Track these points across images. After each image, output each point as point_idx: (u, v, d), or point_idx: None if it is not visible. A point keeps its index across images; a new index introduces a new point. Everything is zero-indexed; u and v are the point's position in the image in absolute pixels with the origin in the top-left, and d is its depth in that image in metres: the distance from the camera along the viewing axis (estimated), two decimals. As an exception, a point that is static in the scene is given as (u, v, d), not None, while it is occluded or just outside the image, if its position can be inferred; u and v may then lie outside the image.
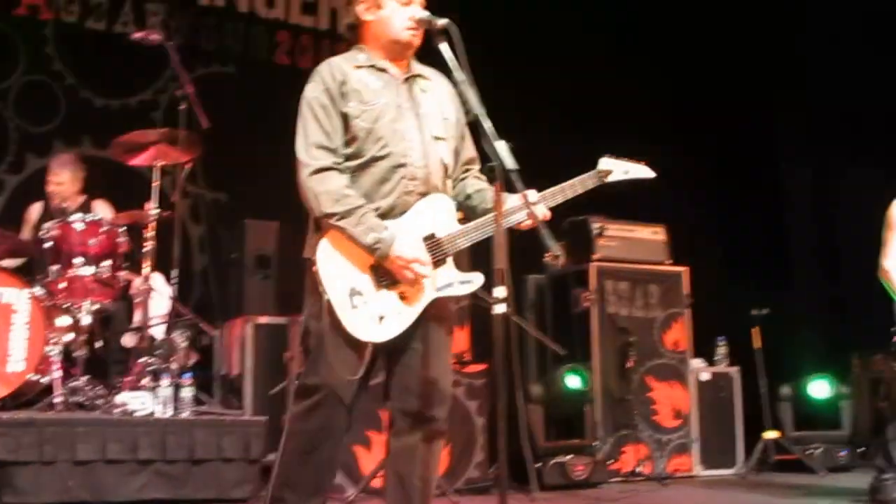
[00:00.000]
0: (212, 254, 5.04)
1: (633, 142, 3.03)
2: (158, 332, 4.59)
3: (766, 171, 7.94)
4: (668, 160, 2.80)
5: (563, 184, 2.72)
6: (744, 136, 7.70)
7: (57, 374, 4.15)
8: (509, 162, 2.37)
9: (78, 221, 4.42)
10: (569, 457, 5.07)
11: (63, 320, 4.36)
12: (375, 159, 2.61)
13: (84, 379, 4.24)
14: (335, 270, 2.57)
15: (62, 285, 4.35)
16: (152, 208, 4.52)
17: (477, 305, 2.91)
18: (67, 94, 5.96)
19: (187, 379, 4.07)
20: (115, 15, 6.09)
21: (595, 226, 5.70)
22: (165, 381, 3.97)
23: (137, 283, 4.62)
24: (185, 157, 4.60)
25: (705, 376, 5.93)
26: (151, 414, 3.90)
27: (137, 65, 5.79)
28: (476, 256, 2.80)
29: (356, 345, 2.55)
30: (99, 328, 4.62)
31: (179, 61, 4.69)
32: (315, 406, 2.59)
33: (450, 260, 2.63)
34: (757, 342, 5.95)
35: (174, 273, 4.42)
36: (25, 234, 5.06)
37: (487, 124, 2.47)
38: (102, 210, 4.99)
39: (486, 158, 2.46)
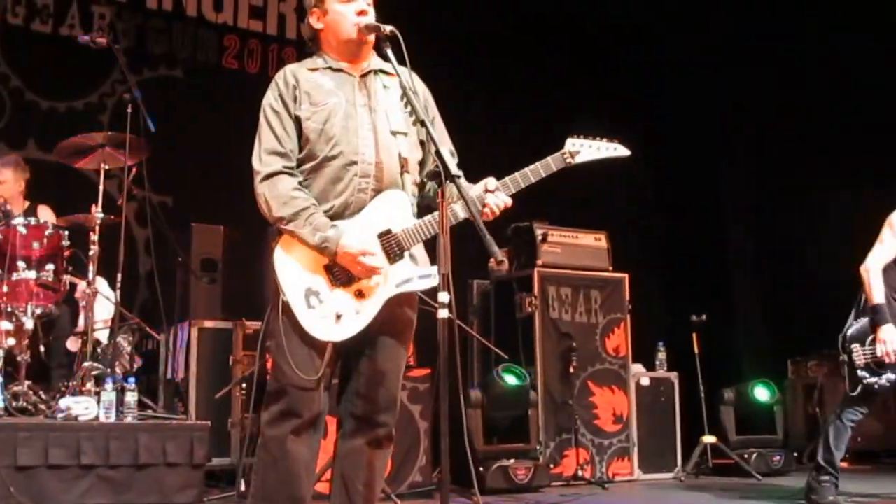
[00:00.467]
0: (158, 258, 4.99)
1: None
2: (103, 336, 4.55)
3: (707, 182, 8.15)
4: (612, 168, 2.81)
5: (526, 168, 2.64)
6: (687, 146, 7.90)
7: (-1, 378, 4.09)
8: (453, 168, 2.40)
9: (21, 225, 4.37)
10: (511, 460, 5.14)
11: (5, 324, 4.29)
12: (328, 159, 2.63)
13: (27, 384, 4.19)
14: (291, 272, 2.60)
15: (5, 289, 4.29)
16: (97, 212, 4.49)
17: (421, 310, 2.93)
18: (13, 96, 5.88)
19: (131, 383, 4.04)
20: (61, 17, 6.02)
21: (539, 232, 5.79)
22: (109, 386, 3.93)
23: (82, 287, 4.57)
24: (131, 161, 4.57)
25: (645, 381, 6.06)
26: (95, 419, 3.87)
27: (84, 67, 5.74)
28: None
29: (315, 345, 2.58)
30: (42, 332, 4.56)
31: (126, 64, 4.66)
32: (284, 411, 2.60)
33: (408, 255, 2.64)
34: (696, 348, 6.12)
35: (119, 277, 4.39)
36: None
37: (433, 130, 2.52)
38: (46, 215, 4.93)
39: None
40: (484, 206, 2.56)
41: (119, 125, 4.57)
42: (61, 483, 3.65)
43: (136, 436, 3.83)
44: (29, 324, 4.29)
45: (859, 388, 4.29)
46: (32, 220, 4.47)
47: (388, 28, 2.60)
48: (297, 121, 2.65)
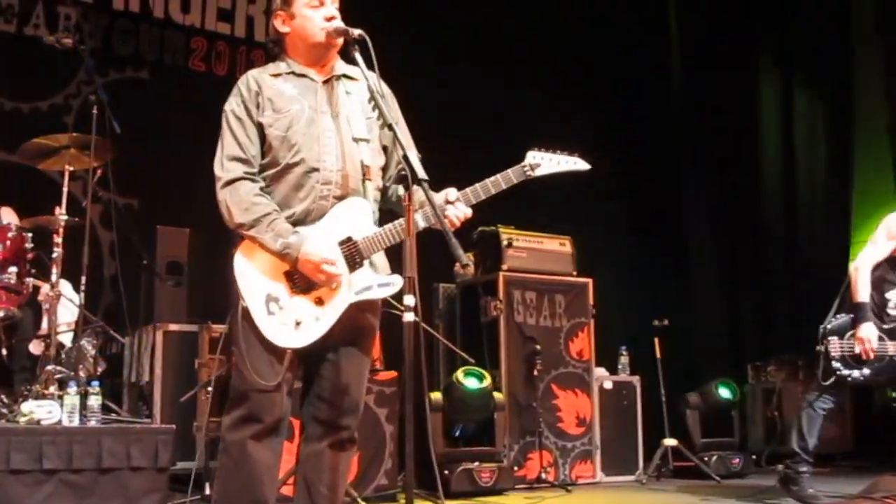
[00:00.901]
0: (122, 260, 4.96)
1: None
2: (66, 339, 4.51)
3: (669, 189, 8.28)
4: (578, 174, 2.85)
5: (486, 180, 2.66)
6: (650, 151, 8.02)
7: (-41, 382, 4.04)
8: (420, 171, 2.42)
9: (-18, 227, 4.32)
10: (476, 463, 5.18)
11: (-34, 327, 4.25)
12: (290, 166, 2.64)
13: (-12, 387, 4.15)
14: (251, 278, 2.61)
15: (-34, 291, 4.24)
16: (61, 214, 4.45)
17: (388, 313, 2.95)
18: (-24, 97, 5.80)
19: (95, 387, 4.01)
20: (25, 17, 5.95)
21: (504, 236, 5.84)
22: (73, 390, 3.90)
23: (45, 289, 4.53)
24: (96, 163, 4.54)
25: (608, 385, 6.14)
26: (58, 423, 3.84)
27: (49, 68, 5.68)
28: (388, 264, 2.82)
29: (275, 350, 2.59)
30: (5, 335, 4.51)
31: (92, 65, 4.63)
32: (246, 415, 2.61)
33: (368, 263, 2.65)
34: (658, 352, 6.21)
35: (83, 280, 4.36)
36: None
37: (400, 133, 2.54)
38: (9, 217, 4.87)
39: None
40: (444, 217, 2.57)
41: (84, 127, 4.54)
42: (24, 488, 3.61)
43: (100, 439, 3.80)
44: (-9, 327, 4.25)
45: (832, 379, 4.41)
46: (-6, 222, 4.42)
47: (357, 32, 2.60)
48: (260, 127, 2.66)
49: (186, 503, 4.18)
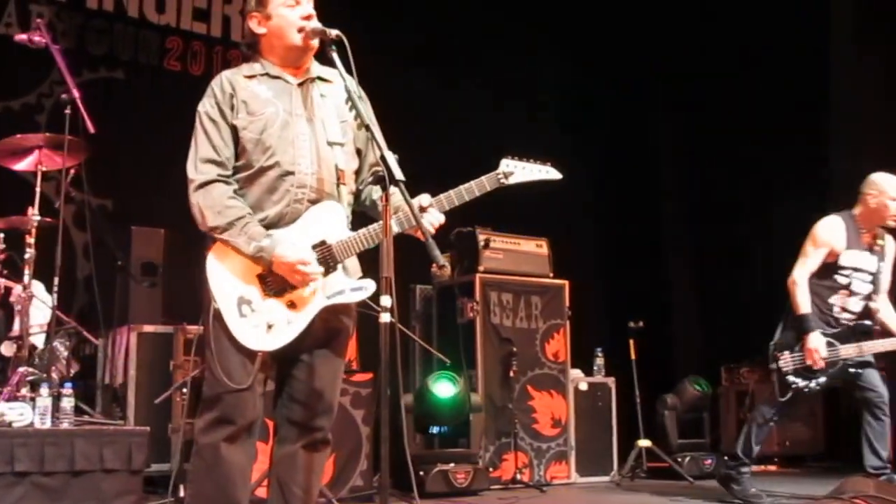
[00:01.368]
0: (96, 261, 4.92)
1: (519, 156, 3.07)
2: (39, 340, 4.47)
3: (645, 193, 8.35)
4: (549, 182, 2.88)
5: (460, 187, 2.67)
6: (626, 155, 8.08)
7: (-71, 384, 3.99)
8: (397, 172, 2.41)
9: (-47, 227, 4.27)
10: (451, 464, 5.19)
11: (-64, 328, 4.20)
12: (264, 169, 2.63)
13: (-42, 389, 4.09)
14: (223, 280, 2.60)
15: (-64, 292, 4.19)
16: (34, 214, 4.41)
17: (364, 314, 2.95)
18: (-53, 96, 5.73)
19: (68, 389, 3.97)
20: (-3, 16, 5.90)
21: (481, 238, 5.86)
22: (45, 391, 3.86)
23: (17, 290, 4.48)
24: (69, 163, 4.50)
25: (584, 386, 6.18)
26: (30, 425, 3.80)
27: (21, 67, 5.62)
28: (363, 265, 2.80)
29: (248, 352, 2.58)
30: (-25, 337, 4.47)
31: (66, 65, 4.59)
32: (218, 418, 2.59)
33: (341, 267, 2.65)
34: (633, 354, 6.26)
35: (56, 281, 4.32)
36: None
37: (377, 134, 2.53)
38: (-21, 218, 4.82)
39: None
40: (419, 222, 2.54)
41: (57, 126, 4.49)
42: (-6, 490, 3.58)
43: (73, 442, 3.77)
44: (-39, 328, 4.20)
45: (789, 394, 4.50)
46: (-35, 222, 4.37)
47: (335, 32, 2.58)
48: (234, 129, 2.64)
49: (161, 506, 4.16)
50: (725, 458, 4.76)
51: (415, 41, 7.07)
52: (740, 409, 7.19)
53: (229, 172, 2.65)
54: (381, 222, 2.57)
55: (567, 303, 6.11)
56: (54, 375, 4.17)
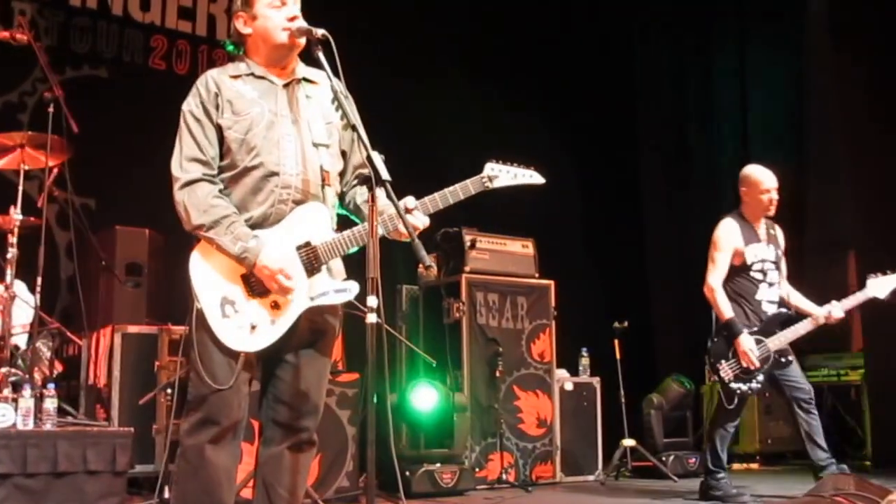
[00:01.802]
0: (80, 261, 4.88)
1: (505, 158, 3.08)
2: (21, 341, 4.43)
3: (629, 192, 8.40)
4: (532, 187, 2.89)
5: (445, 189, 2.69)
6: (610, 155, 8.12)
7: None
8: (383, 173, 2.42)
9: (-66, 226, 4.23)
10: (437, 465, 5.19)
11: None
12: (248, 169, 2.62)
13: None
14: (207, 280, 2.59)
15: (-84, 292, 4.15)
16: (16, 213, 4.37)
17: (350, 315, 2.94)
18: (-72, 94, 5.68)
19: (51, 390, 3.94)
20: (-22, 13, 5.85)
21: (467, 238, 5.86)
22: (27, 392, 3.83)
23: (-1, 290, 4.45)
24: (52, 161, 4.47)
25: (569, 386, 6.20)
26: (12, 426, 3.77)
27: (2, 65, 5.57)
28: (349, 266, 2.81)
29: (231, 353, 2.57)
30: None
31: (48, 62, 4.56)
32: (203, 419, 2.58)
33: (325, 268, 2.65)
34: (618, 354, 6.28)
35: (39, 281, 4.29)
36: None
37: (363, 134, 2.52)
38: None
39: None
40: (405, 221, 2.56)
41: (40, 125, 4.46)
42: (-24, 492, 3.55)
43: (55, 443, 3.75)
44: (-58, 328, 4.16)
45: (735, 401, 4.63)
46: (-53, 222, 4.33)
47: (320, 32, 2.58)
48: (219, 129, 2.64)
49: (145, 507, 4.14)
50: (705, 475, 4.85)
51: (398, 42, 7.05)
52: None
53: (214, 172, 2.64)
54: (365, 224, 2.60)
55: (553, 303, 6.13)
56: (37, 376, 4.14)
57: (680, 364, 7.56)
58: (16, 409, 3.81)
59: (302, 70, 2.78)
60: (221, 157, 2.66)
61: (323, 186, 2.69)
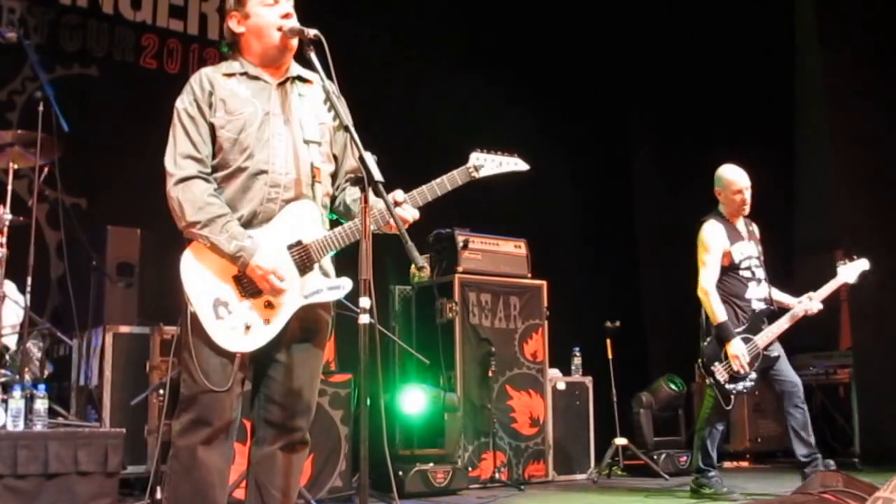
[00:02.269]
0: (71, 261, 4.86)
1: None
2: (11, 342, 4.41)
3: (620, 192, 8.40)
4: (531, 178, 2.89)
5: (432, 182, 2.69)
6: (602, 155, 8.13)
7: None
8: (376, 173, 2.41)
9: (-77, 226, 4.21)
10: (430, 464, 5.19)
11: None
12: (241, 169, 2.62)
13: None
14: (199, 281, 2.58)
15: None
16: (6, 213, 4.36)
17: (342, 315, 2.94)
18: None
19: (41, 391, 3.93)
20: (-34, 11, 5.81)
21: (460, 239, 5.87)
22: (17, 393, 3.82)
23: (-12, 290, 4.42)
24: (42, 161, 4.44)
25: (561, 385, 6.21)
26: (3, 427, 3.75)
27: (-8, 64, 5.55)
28: (341, 266, 2.80)
29: (226, 355, 2.56)
30: (-54, 337, 4.40)
31: (38, 61, 4.53)
32: (195, 419, 2.57)
33: (318, 266, 2.64)
34: (609, 353, 6.30)
35: (29, 281, 4.26)
36: None
37: (356, 135, 2.51)
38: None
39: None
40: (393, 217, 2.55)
41: (29, 124, 4.44)
42: (-34, 494, 3.54)
43: (46, 444, 3.74)
44: (-68, 329, 4.14)
45: (732, 401, 4.69)
46: (-64, 221, 4.30)
47: (313, 31, 2.57)
48: (212, 128, 2.63)
49: (136, 508, 4.12)
50: (696, 475, 4.89)
51: (389, 36, 7.04)
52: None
53: (208, 170, 2.63)
54: (356, 220, 2.59)
55: (545, 303, 6.14)
56: (27, 377, 4.12)
57: (672, 363, 7.58)
58: (6, 411, 3.80)
59: (296, 69, 2.77)
60: (213, 156, 2.65)
61: (313, 184, 2.69)
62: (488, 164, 2.77)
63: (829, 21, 7.10)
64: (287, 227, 2.62)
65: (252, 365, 2.69)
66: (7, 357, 4.28)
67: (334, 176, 2.82)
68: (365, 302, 2.36)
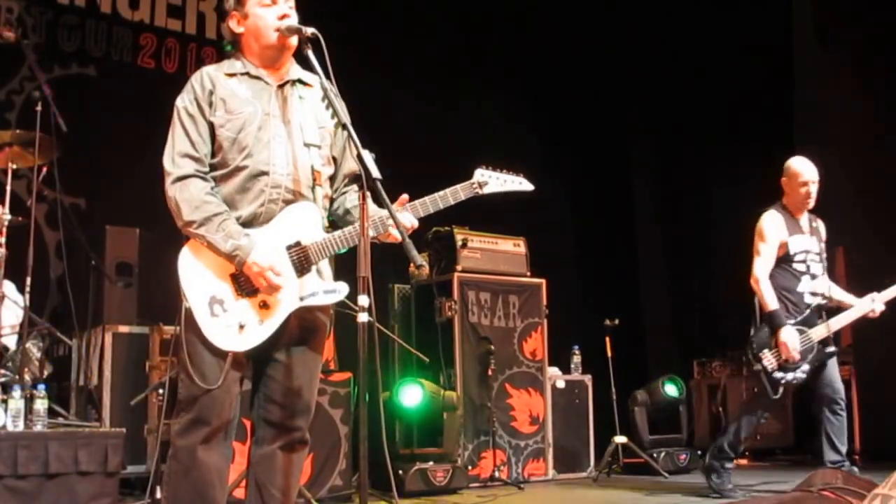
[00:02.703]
0: (70, 261, 4.85)
1: (495, 159, 3.07)
2: (11, 342, 4.41)
3: (619, 190, 8.42)
4: (530, 176, 2.89)
5: (435, 194, 2.70)
6: (600, 155, 8.13)
7: None
8: (374, 171, 2.41)
9: (-77, 226, 4.21)
10: (430, 463, 5.20)
11: None
12: (239, 169, 2.62)
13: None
14: (196, 278, 2.58)
15: None
16: (4, 213, 4.35)
17: (342, 314, 2.94)
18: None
19: (41, 391, 3.92)
20: (-36, 11, 5.81)
21: (459, 237, 5.87)
22: (17, 393, 3.82)
23: (-12, 290, 4.42)
24: (40, 161, 4.45)
25: (561, 384, 6.21)
26: (2, 427, 3.75)
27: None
28: (341, 266, 2.81)
29: (219, 353, 2.57)
30: (-54, 338, 4.40)
31: (36, 61, 4.53)
32: (194, 419, 2.58)
33: (315, 269, 2.65)
34: (609, 351, 6.30)
35: (28, 281, 4.26)
36: None
37: (354, 133, 2.51)
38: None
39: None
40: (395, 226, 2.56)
41: (28, 124, 4.44)
42: (-34, 494, 3.54)
43: (46, 444, 3.73)
44: (-69, 329, 4.14)
45: (781, 390, 4.59)
46: (-65, 222, 4.30)
47: (310, 30, 2.58)
48: (211, 126, 2.64)
49: (137, 507, 4.13)
50: (715, 451, 4.81)
51: (390, 49, 7.03)
52: (712, 402, 7.29)
53: (206, 169, 2.64)
54: (356, 225, 2.59)
55: (544, 301, 6.14)
56: (27, 377, 4.12)
57: (671, 361, 7.60)
58: (6, 411, 3.80)
59: (297, 72, 2.78)
60: (213, 155, 2.65)
61: (314, 187, 2.69)
62: (492, 181, 2.78)
63: (828, 21, 7.10)
64: (286, 227, 2.62)
65: (251, 364, 2.69)
66: (7, 357, 4.28)
67: (333, 178, 2.83)
68: (363, 300, 2.35)
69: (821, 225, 4.91)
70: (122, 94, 6.10)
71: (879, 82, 6.63)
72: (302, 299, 2.61)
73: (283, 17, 2.67)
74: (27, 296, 4.29)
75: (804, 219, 4.83)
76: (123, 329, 4.87)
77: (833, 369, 4.67)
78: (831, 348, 4.65)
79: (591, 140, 8.01)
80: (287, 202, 2.64)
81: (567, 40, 7.99)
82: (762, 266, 4.70)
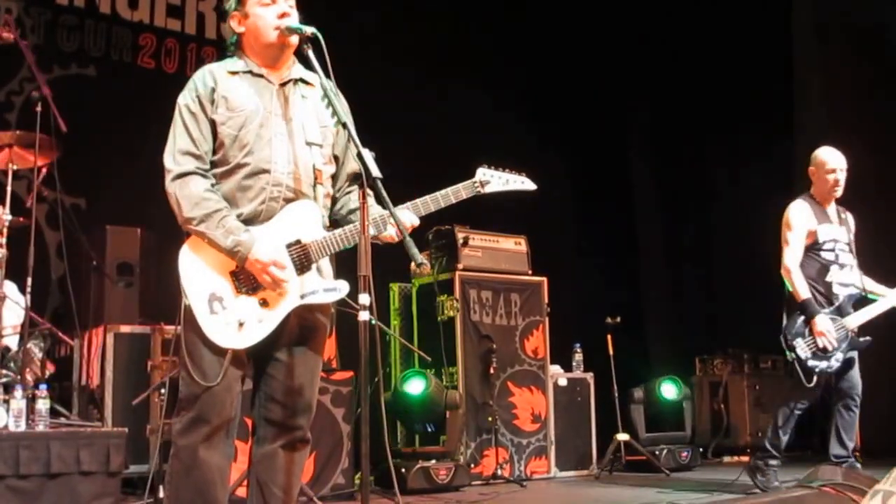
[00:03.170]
0: (70, 261, 4.85)
1: (496, 158, 3.08)
2: (12, 342, 4.41)
3: (620, 189, 8.42)
4: (531, 175, 2.89)
5: (437, 193, 2.70)
6: (601, 153, 8.14)
7: None
8: (374, 170, 2.42)
9: (-77, 227, 4.21)
10: (432, 461, 5.20)
11: None
12: (240, 166, 2.62)
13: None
14: (195, 276, 2.58)
15: None
16: (5, 213, 4.35)
17: (343, 313, 2.93)
18: (-85, 94, 5.63)
19: (43, 391, 3.92)
20: (-37, 12, 5.80)
21: (460, 236, 5.86)
22: (19, 394, 3.82)
23: (-11, 291, 4.42)
24: (41, 161, 4.44)
25: (563, 382, 6.21)
26: (4, 427, 3.75)
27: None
28: (342, 264, 2.81)
29: (218, 351, 2.56)
30: (-53, 339, 4.40)
31: (35, 61, 4.53)
32: (195, 418, 2.57)
33: (315, 267, 2.65)
34: (610, 349, 6.30)
35: (29, 281, 4.26)
36: None
37: (354, 132, 2.51)
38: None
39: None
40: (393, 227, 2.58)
41: (28, 124, 4.43)
42: (-32, 494, 3.54)
43: (48, 444, 3.73)
44: (-67, 330, 4.14)
45: (815, 379, 4.54)
46: (-65, 223, 4.30)
47: (310, 29, 2.59)
48: (213, 124, 2.64)
49: (139, 507, 4.13)
50: (759, 453, 4.80)
51: (390, 48, 7.03)
52: (713, 399, 7.29)
53: (207, 166, 2.64)
54: (357, 224, 2.58)
55: (546, 299, 6.13)
56: (29, 377, 4.12)
57: (672, 358, 7.60)
58: (8, 411, 3.80)
59: (299, 71, 2.79)
60: (214, 153, 2.65)
61: (315, 185, 2.70)
62: (494, 180, 2.78)
63: (828, 21, 7.09)
64: (287, 226, 2.62)
65: (252, 363, 2.69)
66: (8, 358, 4.27)
67: (335, 177, 2.83)
68: (364, 298, 2.35)
69: (850, 217, 4.87)
70: (121, 95, 6.10)
71: (880, 82, 6.62)
72: (302, 297, 2.61)
73: (283, 15, 2.67)
74: (28, 296, 4.29)
75: (832, 209, 4.78)
76: (125, 329, 4.87)
77: (856, 365, 4.63)
78: (866, 338, 4.61)
79: (591, 139, 8.01)
80: (288, 200, 2.64)
81: (567, 39, 8.00)
82: (791, 255, 4.66)
